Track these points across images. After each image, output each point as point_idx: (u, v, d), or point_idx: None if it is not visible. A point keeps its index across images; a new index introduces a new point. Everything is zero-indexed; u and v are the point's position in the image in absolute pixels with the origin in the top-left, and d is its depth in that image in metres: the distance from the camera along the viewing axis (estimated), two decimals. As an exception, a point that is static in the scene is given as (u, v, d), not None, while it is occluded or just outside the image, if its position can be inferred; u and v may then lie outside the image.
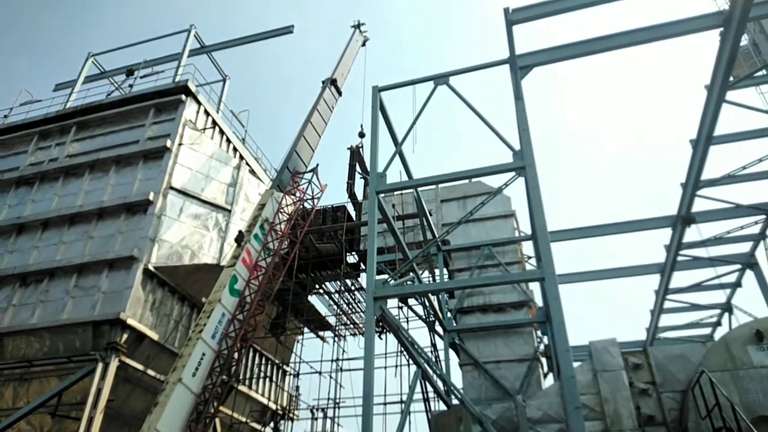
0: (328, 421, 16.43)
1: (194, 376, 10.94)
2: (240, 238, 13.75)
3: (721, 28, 9.73)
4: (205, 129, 18.66)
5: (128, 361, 14.01)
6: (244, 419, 17.61)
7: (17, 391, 14.69)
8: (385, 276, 10.28)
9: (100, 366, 13.35)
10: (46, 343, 14.68)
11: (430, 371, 11.83)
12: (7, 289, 16.01)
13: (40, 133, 19.82)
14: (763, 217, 14.44)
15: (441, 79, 10.86)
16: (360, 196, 18.94)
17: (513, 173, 9.53)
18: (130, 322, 13.99)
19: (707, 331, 20.07)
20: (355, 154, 18.61)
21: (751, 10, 9.31)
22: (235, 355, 12.01)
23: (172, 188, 16.45)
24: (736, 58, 10.21)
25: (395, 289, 9.34)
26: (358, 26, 23.16)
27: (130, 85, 20.62)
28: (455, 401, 13.02)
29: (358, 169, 18.67)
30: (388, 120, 11.50)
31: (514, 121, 10.32)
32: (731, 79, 10.44)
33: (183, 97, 18.09)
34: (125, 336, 14.00)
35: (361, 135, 19.52)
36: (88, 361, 13.64)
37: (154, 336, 14.78)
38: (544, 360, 14.94)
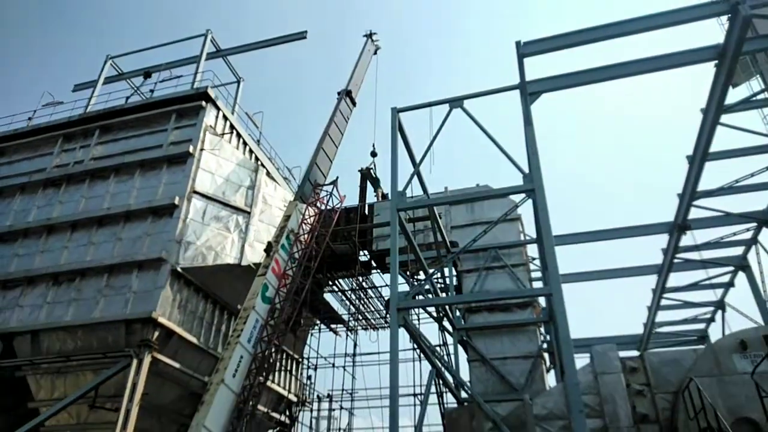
0: (344, 411, 17.56)
1: (234, 377, 11.97)
2: (269, 249, 14.68)
3: (716, 61, 10.53)
4: (223, 134, 19.48)
5: (160, 356, 15.00)
6: (264, 409, 18.73)
7: (55, 383, 15.69)
8: (402, 281, 11.20)
9: (134, 361, 14.34)
10: (80, 339, 15.62)
11: (444, 369, 12.84)
12: (41, 287, 16.91)
13: (64, 136, 20.60)
14: (755, 224, 15.37)
15: (456, 102, 11.70)
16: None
17: (522, 194, 10.44)
18: (161, 320, 14.94)
19: (701, 326, 21.14)
20: (366, 176, 19.29)
21: (744, 45, 10.12)
22: (271, 359, 13.05)
23: (195, 192, 17.33)
24: (735, 70, 10.98)
25: (417, 302, 10.30)
26: (370, 35, 23.81)
27: (151, 90, 21.40)
28: (464, 394, 14.10)
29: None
30: (406, 140, 12.36)
31: (521, 132, 11.15)
32: (725, 104, 11.27)
33: (203, 103, 18.89)
34: (156, 333, 14.97)
35: (373, 154, 20.16)
36: (123, 357, 14.61)
37: (183, 333, 15.77)
38: (546, 356, 16.00)
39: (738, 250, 17.04)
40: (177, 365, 15.62)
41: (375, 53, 24.20)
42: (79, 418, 15.28)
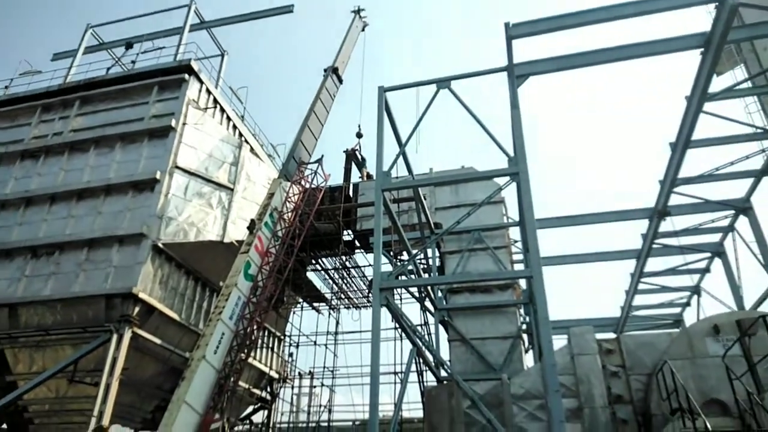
0: (325, 389, 17.71)
1: (215, 354, 11.99)
2: (252, 226, 14.59)
3: (702, 49, 10.60)
4: (207, 108, 19.17)
5: (140, 332, 14.93)
6: (246, 385, 18.82)
7: (33, 357, 15.57)
8: (386, 261, 11.24)
9: (114, 336, 14.26)
10: (60, 314, 15.47)
11: (424, 349, 12.98)
12: (19, 260, 16.64)
13: (42, 106, 20.09)
14: (732, 212, 15.68)
15: (443, 83, 11.63)
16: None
17: (507, 177, 10.48)
18: (142, 296, 14.84)
19: (677, 310, 21.66)
20: (351, 157, 19.22)
21: (729, 33, 10.19)
22: (253, 336, 13.07)
23: (177, 167, 17.09)
24: (720, 58, 11.06)
25: (400, 282, 10.35)
26: (358, 11, 23.44)
27: (133, 62, 20.92)
28: (444, 373, 14.30)
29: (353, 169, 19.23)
30: (392, 120, 12.28)
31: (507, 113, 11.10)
32: (709, 92, 11.39)
33: (186, 76, 18.51)
34: (137, 308, 14.88)
35: (359, 135, 20.03)
36: (103, 332, 14.51)
37: (164, 309, 15.69)
38: (525, 336, 16.26)
39: (715, 237, 17.44)
40: (158, 341, 15.58)
41: (363, 30, 23.87)
42: (59, 392, 15.25)
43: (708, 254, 17.87)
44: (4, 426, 17.92)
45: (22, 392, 14.34)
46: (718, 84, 13.04)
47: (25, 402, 15.15)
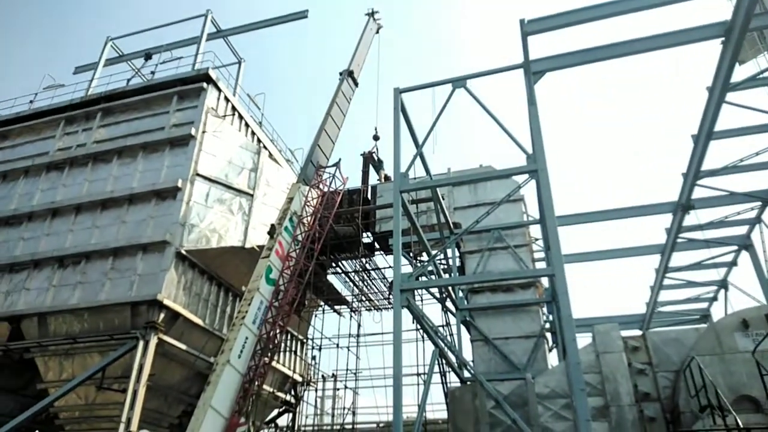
0: (348, 391, 17.77)
1: (240, 358, 12.14)
2: (272, 231, 14.73)
3: (723, 38, 10.39)
4: (225, 115, 19.40)
5: (165, 338, 15.15)
6: (270, 389, 18.97)
7: (63, 365, 15.90)
8: (406, 262, 11.24)
9: (141, 343, 14.50)
10: (87, 322, 15.79)
11: (447, 349, 12.94)
12: (47, 270, 17.05)
13: (66, 119, 20.55)
14: (759, 203, 15.32)
15: (459, 82, 11.59)
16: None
17: (526, 175, 10.40)
18: (167, 302, 15.08)
19: (704, 305, 21.22)
20: (369, 160, 19.27)
21: (752, 20, 9.98)
22: (276, 340, 13.20)
23: (198, 175, 17.32)
24: (742, 47, 10.82)
25: (420, 283, 10.34)
26: (372, 14, 23.51)
27: (152, 72, 21.26)
28: (467, 374, 14.23)
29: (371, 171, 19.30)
30: (408, 121, 12.26)
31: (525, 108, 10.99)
32: (731, 82, 11.15)
33: (204, 84, 18.77)
34: (162, 315, 15.10)
35: (375, 138, 20.07)
36: (130, 339, 14.77)
37: (188, 314, 15.91)
38: (549, 335, 16.09)
39: (742, 230, 17.03)
40: (183, 346, 15.78)
41: (377, 32, 23.93)
42: (87, 399, 15.52)
43: (735, 247, 17.46)
44: (37, 432, 18.36)
45: (53, 399, 14.63)
46: (740, 73, 12.76)
47: (56, 409, 15.46)
